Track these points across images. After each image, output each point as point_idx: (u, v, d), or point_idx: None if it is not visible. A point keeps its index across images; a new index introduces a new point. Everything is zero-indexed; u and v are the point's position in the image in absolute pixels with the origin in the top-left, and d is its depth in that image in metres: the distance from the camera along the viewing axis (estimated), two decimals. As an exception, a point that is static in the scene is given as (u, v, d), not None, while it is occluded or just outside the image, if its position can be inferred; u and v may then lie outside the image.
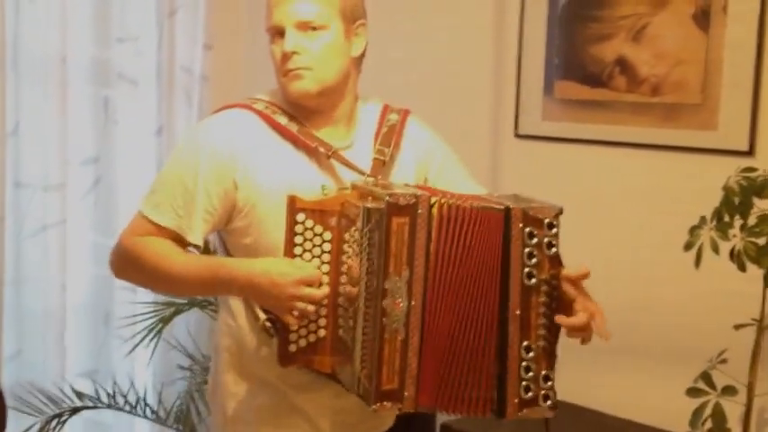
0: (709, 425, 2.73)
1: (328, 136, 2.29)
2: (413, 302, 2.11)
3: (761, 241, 2.60)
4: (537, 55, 3.43)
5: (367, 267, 2.10)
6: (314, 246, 2.14)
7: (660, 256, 3.14)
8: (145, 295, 3.91)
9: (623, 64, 3.22)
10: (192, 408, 3.86)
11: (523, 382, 2.15)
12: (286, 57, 2.23)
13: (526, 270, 2.13)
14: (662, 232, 3.15)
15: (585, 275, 2.14)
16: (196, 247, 2.28)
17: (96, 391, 3.72)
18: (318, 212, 2.14)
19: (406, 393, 2.14)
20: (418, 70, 3.77)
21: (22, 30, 3.56)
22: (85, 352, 3.97)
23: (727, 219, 2.63)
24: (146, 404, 3.80)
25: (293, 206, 2.12)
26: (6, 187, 3.60)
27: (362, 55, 2.36)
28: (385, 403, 2.14)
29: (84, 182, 3.86)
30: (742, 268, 2.62)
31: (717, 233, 2.63)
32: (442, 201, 2.13)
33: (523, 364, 2.14)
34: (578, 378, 3.31)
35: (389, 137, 2.36)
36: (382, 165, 2.30)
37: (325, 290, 2.11)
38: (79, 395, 3.67)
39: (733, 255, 2.64)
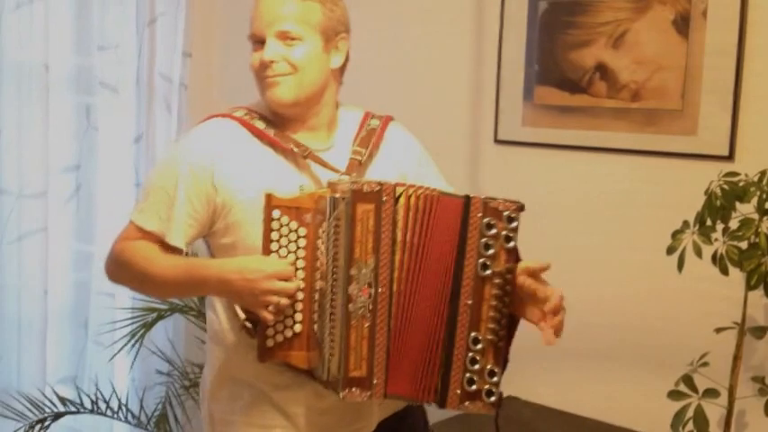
0: (690, 427, 2.75)
1: (307, 140, 2.35)
2: (380, 289, 2.16)
3: (743, 245, 2.62)
4: (516, 61, 3.45)
5: (333, 254, 2.15)
6: (289, 242, 2.18)
7: (641, 260, 3.16)
8: (124, 301, 3.92)
9: (603, 70, 3.24)
10: (171, 413, 3.86)
11: (467, 374, 2.16)
12: (264, 65, 2.29)
13: (481, 260, 2.15)
14: (642, 236, 3.17)
15: (545, 267, 2.18)
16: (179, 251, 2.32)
17: (79, 397, 3.71)
18: (294, 209, 2.19)
19: (375, 381, 2.17)
20: (397, 76, 3.78)
21: (5, 38, 3.56)
22: (66, 358, 3.96)
23: (709, 223, 2.65)
24: (127, 409, 3.79)
25: (269, 203, 2.17)
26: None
27: (343, 67, 2.41)
28: (353, 390, 2.17)
29: (65, 189, 3.85)
30: (724, 272, 2.64)
31: (699, 237, 2.65)
32: (410, 190, 2.19)
33: (470, 355, 2.16)
34: (559, 382, 3.33)
35: (368, 140, 2.42)
36: (358, 164, 2.36)
37: (299, 283, 2.16)
38: (62, 400, 3.66)
39: (715, 259, 2.66)
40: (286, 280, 2.14)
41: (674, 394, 2.79)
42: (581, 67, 3.29)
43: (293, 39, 2.28)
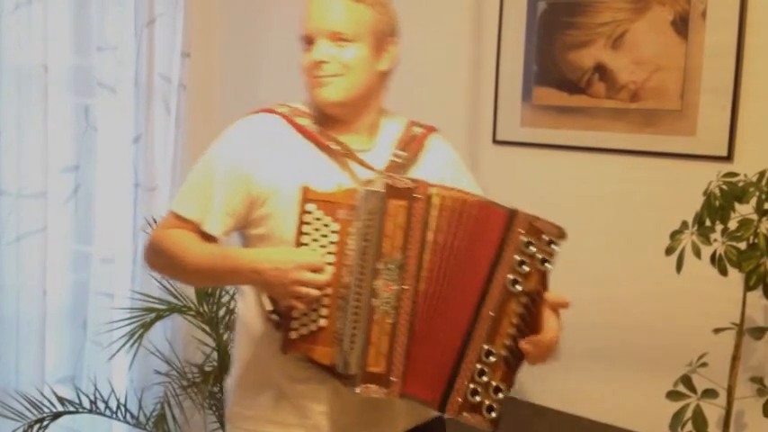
0: (689, 428, 2.76)
1: (349, 141, 2.38)
2: (405, 287, 2.16)
3: (741, 246, 2.62)
4: (515, 61, 3.45)
5: (362, 247, 2.16)
6: (321, 236, 2.20)
7: (640, 261, 3.16)
8: (123, 301, 3.92)
9: (602, 70, 3.25)
10: (169, 413, 3.86)
11: (472, 385, 2.15)
12: (315, 65, 2.33)
13: (512, 276, 2.14)
14: (641, 237, 3.17)
15: (563, 304, 2.16)
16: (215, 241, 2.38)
17: (78, 396, 3.71)
18: (329, 204, 2.20)
19: (392, 379, 2.17)
20: (396, 76, 3.77)
21: (4, 39, 3.55)
22: (64, 358, 3.96)
23: (708, 223, 2.65)
24: (126, 409, 3.79)
25: (305, 196, 2.19)
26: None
27: (390, 71, 2.45)
28: (370, 386, 2.17)
29: (64, 189, 3.86)
30: (723, 272, 2.65)
31: (698, 237, 2.65)
32: (444, 192, 2.19)
33: (479, 366, 2.15)
34: (558, 382, 3.33)
35: (408, 144, 2.44)
36: (397, 167, 2.37)
37: (328, 276, 2.16)
38: (61, 400, 3.66)
39: (714, 259, 2.66)
40: (316, 272, 2.15)
41: (673, 394, 2.79)
42: (580, 68, 3.29)
43: (345, 40, 2.32)
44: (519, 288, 2.13)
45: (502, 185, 3.32)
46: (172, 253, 2.36)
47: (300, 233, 2.20)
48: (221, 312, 3.79)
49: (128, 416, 3.80)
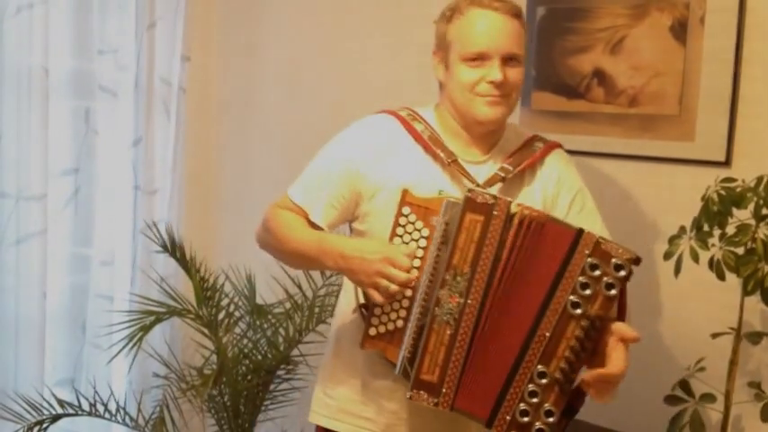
0: (687, 432, 2.77)
1: (465, 152, 2.48)
2: (469, 301, 2.20)
3: (739, 251, 2.63)
4: (515, 66, 3.46)
5: (435, 256, 2.22)
6: (412, 240, 2.29)
7: (638, 265, 3.17)
8: (122, 304, 3.93)
9: (601, 75, 3.25)
10: (168, 416, 3.86)
11: (522, 404, 2.16)
12: (494, 84, 2.38)
13: (573, 298, 2.14)
14: (639, 241, 3.17)
15: (634, 339, 2.19)
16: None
17: (78, 399, 3.71)
18: (423, 209, 2.28)
19: (444, 389, 2.20)
20: (397, 79, 3.79)
21: (5, 42, 3.57)
22: (64, 360, 3.97)
23: (706, 228, 2.66)
24: (125, 412, 3.80)
25: (403, 199, 2.30)
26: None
27: None
28: (421, 393, 2.21)
29: (64, 192, 3.86)
30: (721, 277, 2.65)
31: (697, 242, 2.66)
32: (525, 211, 2.21)
33: (530, 386, 2.15)
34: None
35: (521, 159, 2.49)
36: (501, 180, 2.43)
37: (410, 276, 2.23)
38: (60, 403, 3.66)
39: (712, 264, 2.67)
40: (400, 268, 2.23)
41: (671, 399, 2.80)
42: (579, 73, 3.30)
43: (516, 61, 2.42)
44: (579, 311, 2.13)
45: (501, 190, 3.34)
46: (278, 231, 2.54)
47: (394, 234, 2.29)
48: (221, 315, 3.79)
49: (127, 419, 3.81)
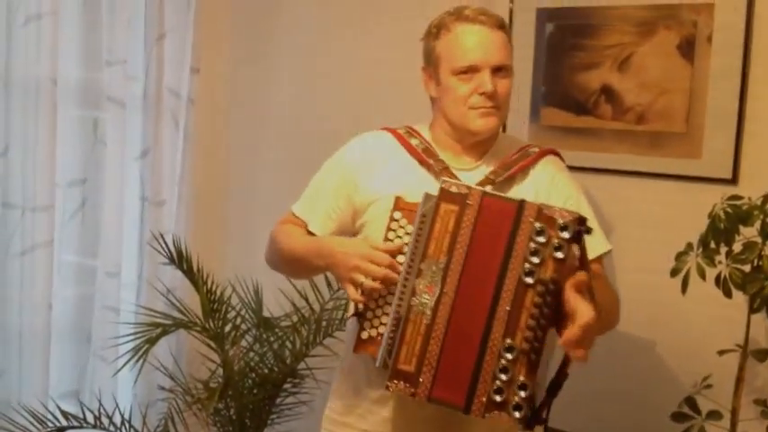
0: (693, 449, 2.77)
1: (457, 161, 2.54)
2: (445, 290, 2.20)
3: (746, 268, 2.63)
4: (523, 82, 3.46)
5: (411, 247, 2.24)
6: (404, 243, 2.30)
7: (644, 282, 3.17)
8: (128, 316, 3.93)
9: (609, 92, 3.26)
10: (173, 430, 3.86)
11: (496, 382, 2.15)
12: (486, 95, 2.44)
13: (527, 267, 2.15)
14: (646, 258, 3.18)
15: (581, 282, 2.11)
16: None
17: (82, 411, 3.71)
18: (413, 212, 2.29)
19: (421, 379, 2.19)
20: (407, 94, 3.78)
21: (14, 53, 3.58)
22: (68, 372, 3.97)
23: (713, 246, 2.66)
24: (130, 425, 3.79)
25: (396, 205, 2.33)
26: (-5, 207, 3.61)
27: None
28: (399, 382, 2.20)
29: (71, 203, 3.87)
30: (728, 294, 2.65)
31: (703, 260, 2.66)
32: (494, 198, 2.25)
33: (501, 362, 2.15)
34: (561, 401, 3.33)
35: (512, 164, 2.53)
36: (490, 182, 2.46)
37: (387, 271, 2.25)
38: (65, 415, 3.66)
39: (719, 281, 2.67)
40: (380, 265, 2.26)
41: (678, 416, 2.80)
42: (587, 89, 3.31)
43: (506, 72, 2.48)
44: (532, 279, 2.14)
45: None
46: (279, 241, 2.65)
47: (386, 238, 2.33)
48: (227, 328, 3.79)
49: (131, 431, 3.81)
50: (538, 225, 2.15)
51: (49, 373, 3.83)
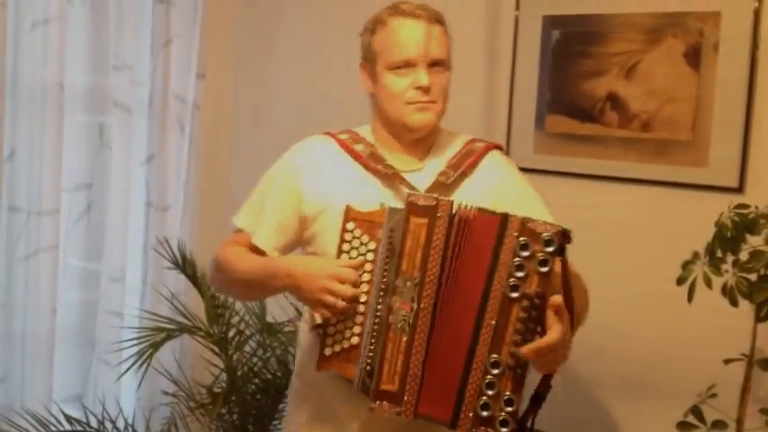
0: (698, 458, 2.76)
1: (402, 161, 2.48)
2: (422, 305, 2.17)
3: (752, 277, 2.63)
4: (529, 89, 3.47)
5: (382, 264, 2.20)
6: (359, 254, 2.26)
7: (650, 291, 3.17)
8: (132, 321, 3.93)
9: (614, 100, 3.26)
10: (175, 434, 3.86)
11: (483, 398, 2.13)
12: (422, 90, 2.40)
13: (511, 281, 2.12)
14: (651, 267, 3.18)
15: (555, 305, 2.09)
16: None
17: (86, 416, 3.71)
18: (367, 222, 2.27)
19: (405, 398, 2.17)
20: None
21: (21, 58, 3.58)
22: (72, 376, 3.97)
23: (719, 254, 2.65)
24: (134, 430, 3.79)
25: (347, 215, 2.28)
26: (1, 211, 3.61)
27: None
28: (383, 403, 2.18)
29: (76, 207, 3.87)
30: (734, 303, 2.65)
31: (710, 268, 2.65)
32: (463, 208, 2.20)
33: (487, 378, 2.13)
34: (567, 411, 3.33)
35: (460, 163, 2.48)
36: (442, 186, 2.41)
37: (357, 291, 2.22)
38: (68, 419, 3.65)
39: (725, 290, 2.67)
40: (346, 284, 2.22)
41: (683, 425, 2.79)
42: (593, 97, 3.31)
43: (443, 66, 2.44)
44: (516, 294, 2.11)
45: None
46: (225, 264, 2.54)
47: (340, 251, 2.27)
48: (231, 333, 3.79)
49: (135, 436, 3.81)
50: (522, 239, 2.12)
51: (52, 377, 3.83)
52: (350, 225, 2.27)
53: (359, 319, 2.24)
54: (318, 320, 2.29)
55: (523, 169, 3.46)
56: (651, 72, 3.18)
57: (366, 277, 2.24)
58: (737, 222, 2.64)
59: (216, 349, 3.75)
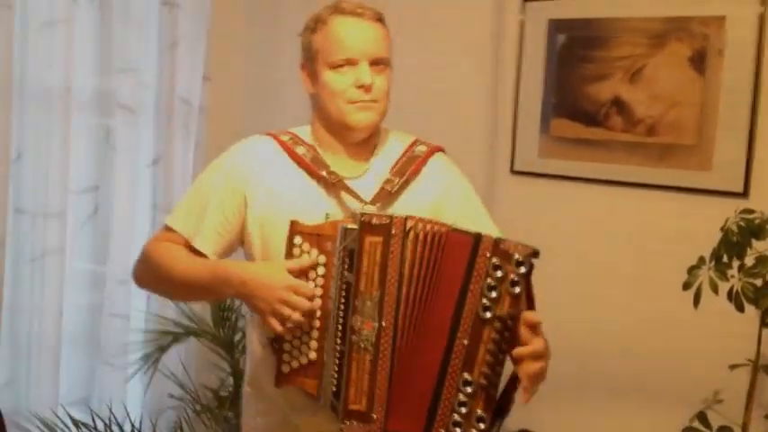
0: (704, 463, 2.77)
1: (345, 166, 2.40)
2: (384, 324, 2.15)
3: (758, 282, 2.63)
4: (534, 93, 3.47)
5: (339, 285, 2.17)
6: (309, 268, 2.21)
7: (655, 295, 3.17)
8: (139, 324, 3.93)
9: (619, 104, 3.27)
10: (182, 437, 3.87)
11: (455, 416, 2.12)
12: (365, 88, 2.34)
13: (483, 302, 2.09)
14: (655, 271, 3.18)
15: (530, 322, 2.08)
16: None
17: (93, 419, 3.71)
18: (315, 236, 2.21)
19: (374, 416, 2.17)
20: (416, 105, 3.80)
21: (29, 60, 3.59)
22: (79, 379, 3.97)
23: (725, 259, 2.66)
24: (140, 433, 3.81)
25: (293, 229, 2.21)
26: (8, 213, 3.61)
27: None
28: (353, 423, 2.17)
29: (83, 210, 3.88)
30: (740, 309, 2.65)
31: (716, 273, 2.65)
32: (419, 225, 2.17)
33: (459, 397, 2.12)
34: (574, 416, 3.34)
35: (405, 169, 2.43)
36: (388, 194, 2.36)
37: (314, 305, 2.18)
38: (75, 422, 3.66)
39: (731, 295, 2.67)
40: (302, 296, 2.17)
41: (689, 431, 2.80)
42: (597, 101, 3.31)
43: (384, 65, 2.39)
44: (489, 314, 2.08)
45: (519, 215, 3.36)
46: (160, 264, 2.40)
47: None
48: (237, 336, 3.79)
49: (142, 440, 3.81)
50: (495, 260, 2.09)
51: (59, 380, 3.83)
52: (297, 240, 2.22)
53: (315, 333, 2.21)
54: (270, 334, 2.26)
55: (528, 173, 3.50)
56: (656, 76, 3.19)
57: (318, 291, 2.20)
58: (743, 227, 2.64)
59: (222, 352, 3.76)
